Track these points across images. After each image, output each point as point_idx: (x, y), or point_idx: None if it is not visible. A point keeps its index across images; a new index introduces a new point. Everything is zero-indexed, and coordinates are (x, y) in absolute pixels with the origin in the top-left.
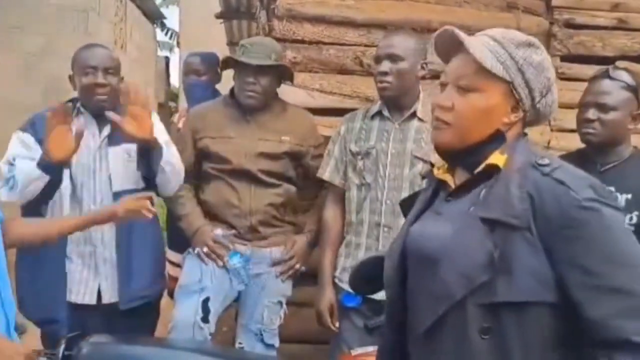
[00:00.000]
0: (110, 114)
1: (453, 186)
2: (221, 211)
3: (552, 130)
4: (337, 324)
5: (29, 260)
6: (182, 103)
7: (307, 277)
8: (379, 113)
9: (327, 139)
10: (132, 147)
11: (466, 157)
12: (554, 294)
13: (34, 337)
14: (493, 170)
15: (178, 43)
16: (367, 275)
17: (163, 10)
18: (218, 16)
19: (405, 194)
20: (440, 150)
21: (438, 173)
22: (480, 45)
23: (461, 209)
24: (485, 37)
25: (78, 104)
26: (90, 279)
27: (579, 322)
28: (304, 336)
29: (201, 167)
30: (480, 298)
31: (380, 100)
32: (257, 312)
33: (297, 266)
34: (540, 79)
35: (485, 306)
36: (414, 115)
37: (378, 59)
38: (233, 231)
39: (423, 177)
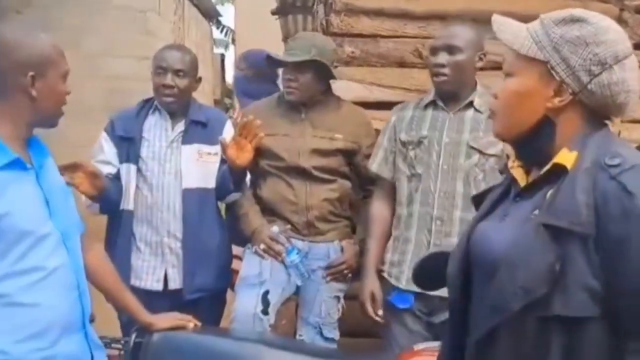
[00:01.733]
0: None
1: (522, 184)
2: (278, 207)
3: (622, 121)
4: (379, 312)
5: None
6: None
7: None
8: (433, 102)
9: None
10: (204, 148)
11: (525, 150)
12: (603, 308)
13: (108, 324)
14: (560, 170)
15: (233, 40)
16: (430, 271)
17: (218, 8)
18: (274, 12)
19: (460, 185)
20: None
21: (512, 166)
22: (514, 28)
23: (525, 211)
24: (538, 19)
25: (155, 102)
26: (157, 266)
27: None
28: (365, 330)
29: (257, 164)
30: (538, 311)
31: (435, 91)
32: (316, 306)
33: (345, 272)
34: (581, 55)
35: (542, 320)
36: (469, 105)
37: (434, 50)
38: (289, 226)
39: (501, 172)
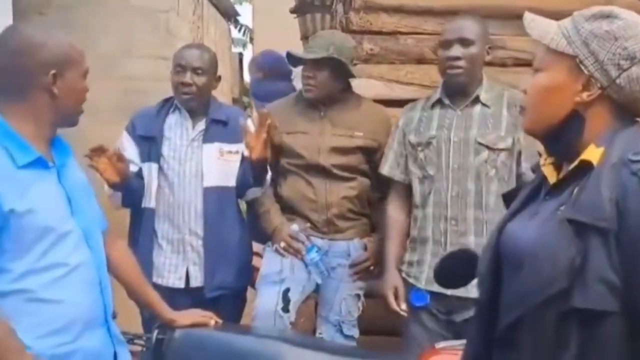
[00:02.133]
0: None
1: (551, 182)
2: (298, 205)
3: None
4: (403, 306)
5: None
6: None
7: None
8: (439, 101)
9: None
10: (225, 146)
11: (554, 145)
12: (621, 303)
13: (130, 320)
14: (587, 166)
15: (251, 39)
16: (449, 270)
17: (237, 7)
18: (292, 11)
19: (471, 183)
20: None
21: (543, 163)
22: (544, 24)
23: (553, 207)
24: (569, 17)
25: (175, 101)
26: (179, 264)
27: None
28: (380, 328)
29: (278, 162)
30: (558, 305)
31: (445, 86)
32: (336, 304)
33: (371, 268)
34: (610, 49)
35: (562, 314)
36: (476, 100)
37: (447, 44)
38: (308, 224)
39: (533, 171)
